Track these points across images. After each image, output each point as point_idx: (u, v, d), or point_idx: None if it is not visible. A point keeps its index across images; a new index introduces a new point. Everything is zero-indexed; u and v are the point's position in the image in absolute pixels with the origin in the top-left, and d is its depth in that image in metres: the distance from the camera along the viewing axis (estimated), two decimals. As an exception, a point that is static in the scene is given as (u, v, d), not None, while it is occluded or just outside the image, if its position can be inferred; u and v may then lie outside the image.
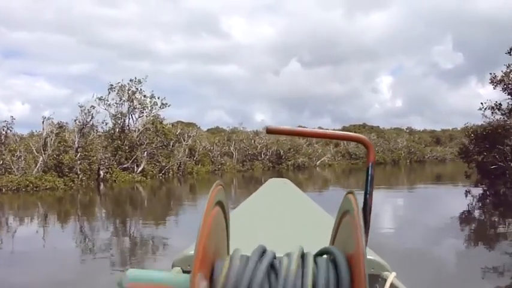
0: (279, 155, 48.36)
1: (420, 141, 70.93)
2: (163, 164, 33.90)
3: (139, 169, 30.87)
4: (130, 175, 29.34)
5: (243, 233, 1.97)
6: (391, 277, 1.60)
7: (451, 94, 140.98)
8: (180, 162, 36.66)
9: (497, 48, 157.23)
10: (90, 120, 27.34)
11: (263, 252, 1.10)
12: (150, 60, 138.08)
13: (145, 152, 32.47)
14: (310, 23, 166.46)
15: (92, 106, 27.22)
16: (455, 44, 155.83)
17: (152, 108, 34.30)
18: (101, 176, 28.02)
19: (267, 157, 47.29)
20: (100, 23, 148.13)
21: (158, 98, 34.37)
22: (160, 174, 33.49)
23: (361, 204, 1.12)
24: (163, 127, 34.63)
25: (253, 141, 47.47)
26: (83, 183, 25.37)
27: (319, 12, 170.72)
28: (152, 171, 32.39)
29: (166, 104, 34.63)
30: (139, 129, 33.54)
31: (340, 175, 43.07)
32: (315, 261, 1.08)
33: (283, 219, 2.86)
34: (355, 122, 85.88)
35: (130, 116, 33.81)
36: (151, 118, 35.44)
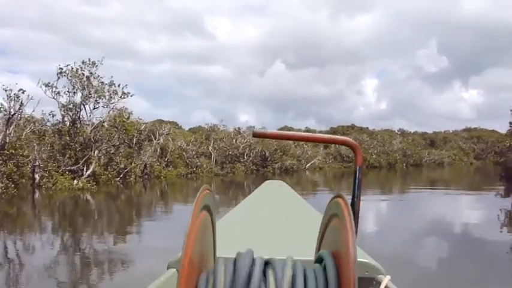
0: (264, 157, 42.47)
1: (414, 144, 65.77)
2: (123, 166, 27.71)
3: (88, 172, 24.60)
4: (73, 180, 23.03)
5: (238, 235, 2.33)
6: (385, 280, 1.61)
7: (435, 97, 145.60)
8: (145, 164, 30.54)
9: (481, 53, 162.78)
10: (19, 108, 21.01)
11: (251, 260, 1.06)
12: (135, 60, 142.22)
13: (98, 152, 26.24)
14: (295, 24, 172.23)
15: (21, 90, 20.82)
16: (439, 48, 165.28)
17: (111, 97, 28.17)
18: (37, 180, 21.79)
19: (250, 159, 41.37)
20: (84, 21, 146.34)
21: (119, 85, 28.29)
22: (118, 178, 27.28)
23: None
24: (123, 121, 28.47)
25: (234, 140, 41.55)
26: (9, 190, 19.16)
27: (304, 14, 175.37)
28: (107, 175, 26.18)
29: (129, 93, 28.53)
30: (93, 123, 27.41)
31: (332, 180, 37.52)
32: (305, 269, 1.06)
33: (279, 222, 2.84)
34: (341, 123, 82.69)
35: (83, 107, 27.64)
36: (116, 112, 29.51)
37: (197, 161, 36.41)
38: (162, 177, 31.00)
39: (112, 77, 28.30)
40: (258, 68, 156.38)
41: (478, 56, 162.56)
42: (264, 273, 1.03)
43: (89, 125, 27.03)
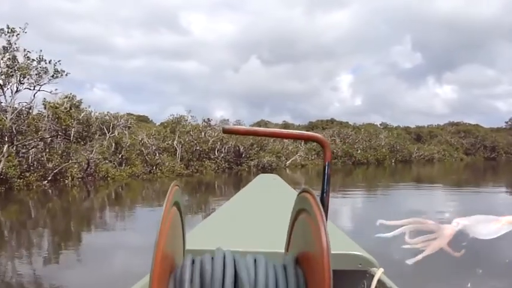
0: (238, 153, 36.51)
1: (401, 138, 60.70)
2: (51, 165, 21.36)
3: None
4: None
5: (229, 229, 2.36)
6: (378, 273, 1.64)
7: (410, 93, 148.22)
8: (88, 163, 24.26)
9: (455, 50, 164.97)
10: None
11: (222, 255, 1.09)
12: (109, 56, 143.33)
13: (15, 147, 19.87)
14: (270, 20, 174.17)
15: None
16: (414, 45, 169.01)
17: (40, 77, 21.81)
18: None
19: (222, 155, 35.37)
20: (58, 16, 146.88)
21: (50, 62, 21.96)
22: (46, 181, 20.94)
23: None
24: (56, 107, 22.13)
25: (203, 133, 35.48)
26: None
27: (280, 10, 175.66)
28: (28, 177, 19.83)
29: (63, 71, 22.21)
30: (15, 109, 21.06)
31: (316, 179, 32.03)
32: (274, 265, 1.08)
33: (271, 216, 2.74)
34: (315, 119, 78.46)
35: (1, 89, 21.21)
36: (59, 99, 23.24)
37: (157, 158, 30.18)
38: (108, 178, 24.68)
39: (41, 50, 21.99)
40: (234, 64, 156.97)
41: (452, 53, 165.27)
42: (235, 269, 1.04)
43: (6, 111, 20.65)
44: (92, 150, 26.20)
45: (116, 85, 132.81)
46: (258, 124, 57.71)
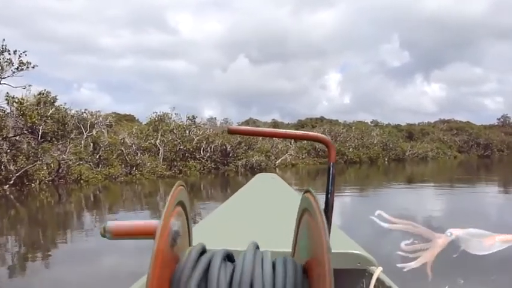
0: (225, 152, 34.56)
1: (394, 136, 59.03)
2: (13, 168, 19.24)
3: None
4: None
5: (227, 229, 2.35)
6: (377, 272, 1.65)
7: (398, 91, 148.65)
8: (59, 164, 22.15)
9: (442, 48, 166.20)
10: None
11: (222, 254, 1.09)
12: (97, 55, 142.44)
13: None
14: (258, 19, 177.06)
15: None
16: (402, 43, 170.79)
17: (2, 69, 19.67)
18: None
19: (208, 155, 33.39)
20: (45, 15, 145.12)
21: (15, 52, 19.83)
22: (7, 185, 18.83)
23: (322, 205, 1.09)
24: (20, 102, 20.02)
25: (187, 132, 33.45)
26: None
27: (267, 9, 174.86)
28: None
29: (29, 63, 20.09)
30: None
31: (307, 179, 30.26)
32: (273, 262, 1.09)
33: (270, 215, 2.81)
34: (304, 117, 77.17)
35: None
36: (35, 95, 21.21)
37: (137, 158, 28.10)
38: (81, 181, 22.56)
39: (4, 40, 19.85)
40: (221, 63, 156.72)
41: (440, 51, 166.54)
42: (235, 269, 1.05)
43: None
44: (66, 151, 24.16)
45: (104, 85, 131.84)
46: (247, 122, 55.92)
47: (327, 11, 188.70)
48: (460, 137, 67.86)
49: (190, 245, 1.26)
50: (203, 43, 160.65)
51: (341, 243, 1.93)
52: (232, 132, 1.52)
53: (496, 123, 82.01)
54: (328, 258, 0.88)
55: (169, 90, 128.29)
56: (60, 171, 22.25)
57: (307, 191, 1.11)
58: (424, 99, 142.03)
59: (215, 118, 51.62)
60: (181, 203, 1.14)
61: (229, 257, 1.10)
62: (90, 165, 25.83)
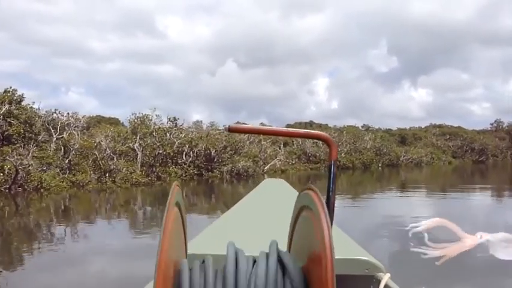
0: (210, 157, 31.96)
1: (385, 140, 56.87)
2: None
3: None
4: None
5: (235, 233, 2.20)
6: (385, 278, 1.62)
7: (386, 97, 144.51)
8: (17, 170, 19.38)
9: (430, 54, 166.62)
10: None
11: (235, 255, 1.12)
12: (85, 59, 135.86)
13: None
14: (246, 24, 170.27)
15: None
16: (390, 48, 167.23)
17: None
18: None
19: (190, 159, 30.76)
20: (33, 19, 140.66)
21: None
22: None
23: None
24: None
25: (168, 134, 30.81)
26: None
27: (256, 13, 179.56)
28: None
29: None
30: None
31: (298, 186, 27.74)
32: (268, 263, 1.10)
33: (278, 221, 2.41)
34: (293, 122, 75.17)
35: None
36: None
37: (111, 163, 25.39)
38: (42, 189, 19.78)
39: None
40: (210, 68, 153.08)
41: (427, 57, 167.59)
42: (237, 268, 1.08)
43: None
44: (28, 154, 21.47)
45: (91, 89, 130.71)
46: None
47: (315, 16, 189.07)
48: (454, 142, 66.05)
49: (186, 246, 1.29)
50: (191, 47, 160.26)
51: (349, 249, 1.88)
52: (232, 130, 1.48)
53: (489, 128, 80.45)
54: (331, 256, 0.87)
55: (157, 95, 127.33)
56: (18, 177, 19.53)
57: (309, 188, 1.10)
58: (411, 105, 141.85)
59: (201, 121, 49.36)
60: (177, 204, 1.14)
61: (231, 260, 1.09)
62: (58, 171, 23.18)
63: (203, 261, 1.09)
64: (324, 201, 1.00)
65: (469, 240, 1.12)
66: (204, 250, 1.58)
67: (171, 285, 1.01)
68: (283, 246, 1.38)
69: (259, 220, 2.87)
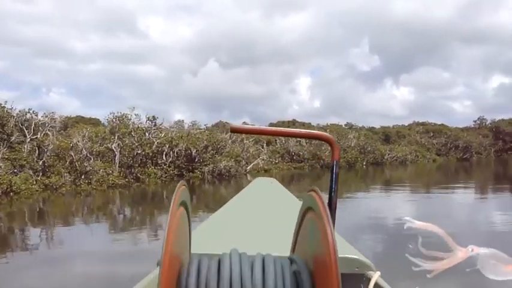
0: (190, 157, 31.24)
1: (369, 139, 56.61)
2: None
3: None
4: None
5: (225, 233, 2.34)
6: (375, 276, 1.62)
7: (368, 95, 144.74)
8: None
9: (411, 52, 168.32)
10: None
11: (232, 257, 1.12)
12: (66, 59, 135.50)
13: None
14: (228, 23, 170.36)
15: None
16: (371, 47, 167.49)
17: None
18: None
19: (170, 160, 30.02)
20: (13, 19, 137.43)
21: None
22: None
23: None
24: None
25: (147, 134, 30.02)
26: None
27: (237, 13, 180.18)
28: None
29: None
30: None
31: (283, 185, 27.26)
32: (275, 265, 1.11)
33: (268, 219, 2.80)
34: (275, 121, 74.61)
35: None
36: None
37: (87, 164, 24.55)
38: (12, 193, 18.90)
39: None
40: (191, 68, 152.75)
41: (408, 55, 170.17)
42: (240, 270, 1.07)
43: None
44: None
45: (73, 89, 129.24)
46: (217, 125, 52.94)
47: (297, 15, 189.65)
48: (438, 140, 66.12)
49: (190, 244, 1.29)
50: (173, 47, 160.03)
51: (339, 247, 1.68)
52: (234, 131, 1.48)
53: (473, 125, 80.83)
54: (335, 258, 0.89)
55: (139, 95, 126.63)
56: (-14, 181, 18.64)
57: (312, 190, 1.11)
58: (393, 103, 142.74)
59: (183, 121, 48.57)
60: (183, 204, 1.15)
61: (235, 261, 1.09)
62: (31, 173, 22.30)
63: (206, 261, 1.08)
64: (325, 203, 1.00)
65: (460, 253, 1.10)
66: (201, 249, 1.52)
67: (175, 284, 1.01)
68: (281, 246, 1.40)
69: (253, 219, 2.85)
